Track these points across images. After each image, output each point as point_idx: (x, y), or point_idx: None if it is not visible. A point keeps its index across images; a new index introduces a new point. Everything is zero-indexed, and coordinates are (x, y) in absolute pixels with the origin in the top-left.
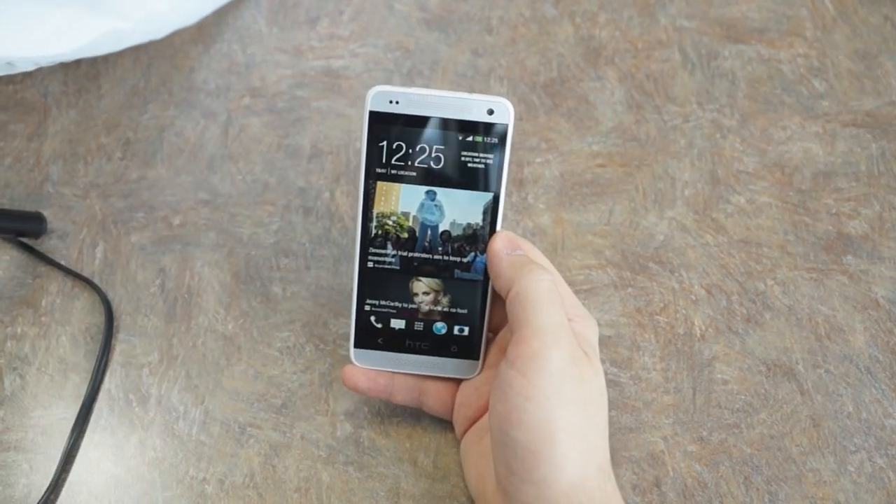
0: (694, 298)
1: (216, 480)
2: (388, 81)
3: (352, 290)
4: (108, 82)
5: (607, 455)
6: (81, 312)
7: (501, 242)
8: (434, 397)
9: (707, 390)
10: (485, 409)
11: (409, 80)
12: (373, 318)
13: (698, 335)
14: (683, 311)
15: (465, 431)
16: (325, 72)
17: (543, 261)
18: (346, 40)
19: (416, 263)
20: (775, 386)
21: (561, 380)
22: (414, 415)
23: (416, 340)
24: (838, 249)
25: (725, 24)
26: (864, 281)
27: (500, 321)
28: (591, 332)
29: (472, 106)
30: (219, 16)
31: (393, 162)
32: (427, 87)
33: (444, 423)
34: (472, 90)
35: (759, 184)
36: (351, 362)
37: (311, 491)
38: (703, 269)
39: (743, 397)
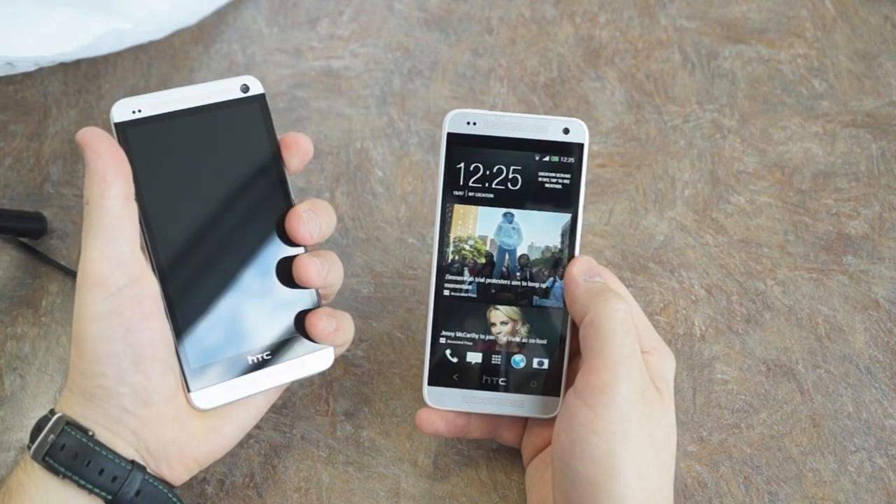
0: (694, 298)
1: (216, 480)
2: (388, 82)
3: (426, 322)
4: (108, 82)
5: (670, 497)
6: None
7: (580, 268)
8: (509, 430)
9: (707, 390)
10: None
11: (409, 80)
12: (448, 352)
13: (698, 335)
14: (683, 312)
15: (532, 458)
16: (325, 72)
17: (622, 290)
18: (346, 40)
19: (493, 290)
20: (775, 386)
21: (628, 415)
22: (414, 415)
23: (493, 376)
24: (838, 249)
25: (725, 25)
26: (864, 281)
27: (576, 351)
28: (667, 367)
29: (548, 126)
30: (219, 16)
31: (470, 184)
32: (427, 87)
33: None
34: (472, 90)
35: (759, 184)
36: (424, 403)
37: (311, 491)
38: (703, 269)
39: (743, 397)
